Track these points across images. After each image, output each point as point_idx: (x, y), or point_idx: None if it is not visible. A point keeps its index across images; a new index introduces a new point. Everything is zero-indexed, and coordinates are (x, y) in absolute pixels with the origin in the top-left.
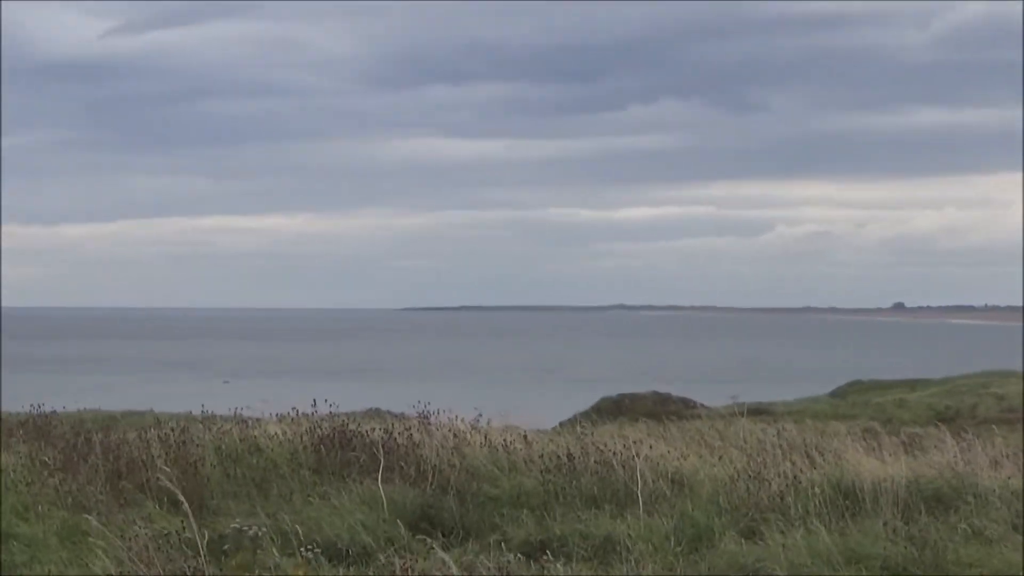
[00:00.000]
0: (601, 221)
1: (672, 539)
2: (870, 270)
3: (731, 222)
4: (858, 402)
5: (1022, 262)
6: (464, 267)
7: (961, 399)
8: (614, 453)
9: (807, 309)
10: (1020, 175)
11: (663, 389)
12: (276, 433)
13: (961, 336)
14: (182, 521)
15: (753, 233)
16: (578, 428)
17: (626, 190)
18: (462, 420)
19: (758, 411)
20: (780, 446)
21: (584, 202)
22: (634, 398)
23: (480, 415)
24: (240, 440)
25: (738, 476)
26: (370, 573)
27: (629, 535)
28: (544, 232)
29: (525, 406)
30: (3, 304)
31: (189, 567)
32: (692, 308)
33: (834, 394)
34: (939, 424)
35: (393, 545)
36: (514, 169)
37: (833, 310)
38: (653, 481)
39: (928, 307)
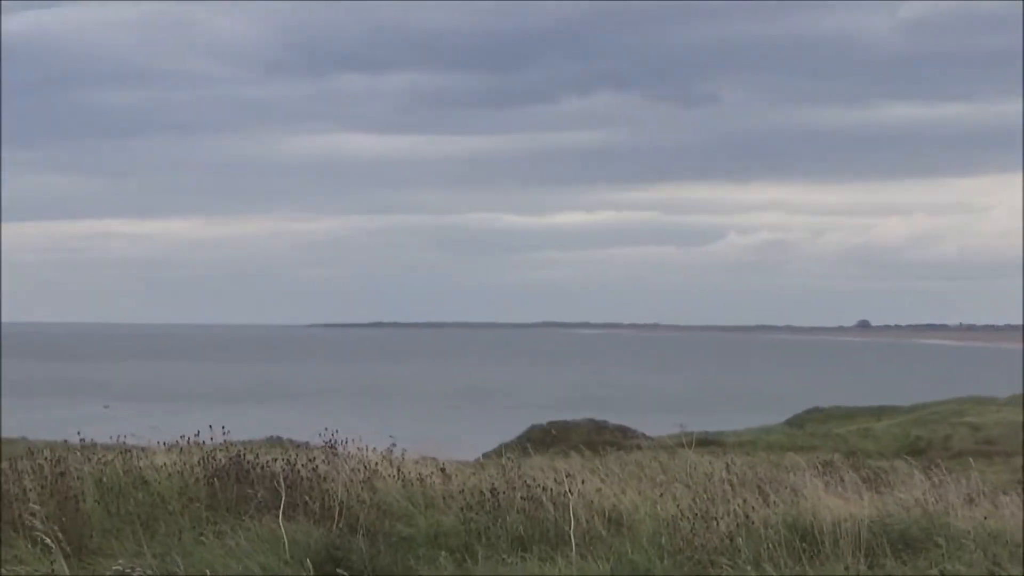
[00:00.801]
0: (529, 228)
1: None
2: (831, 284)
3: (676, 229)
4: (817, 432)
5: (1022, 275)
6: (376, 279)
7: (933, 429)
8: (544, 488)
9: (761, 327)
10: (998, 177)
11: (600, 416)
12: (164, 464)
13: (933, 358)
14: (52, 563)
15: (701, 242)
16: (504, 460)
17: (558, 193)
18: (373, 450)
19: (706, 442)
20: (730, 481)
21: (510, 206)
22: (567, 426)
23: (394, 445)
24: (124, 472)
25: (682, 515)
26: None
27: None
28: (466, 240)
29: (444, 435)
30: None
31: None
32: (632, 326)
33: (790, 423)
34: (908, 457)
35: None
36: (432, 169)
37: (790, 328)
38: (587, 520)
39: (896, 326)
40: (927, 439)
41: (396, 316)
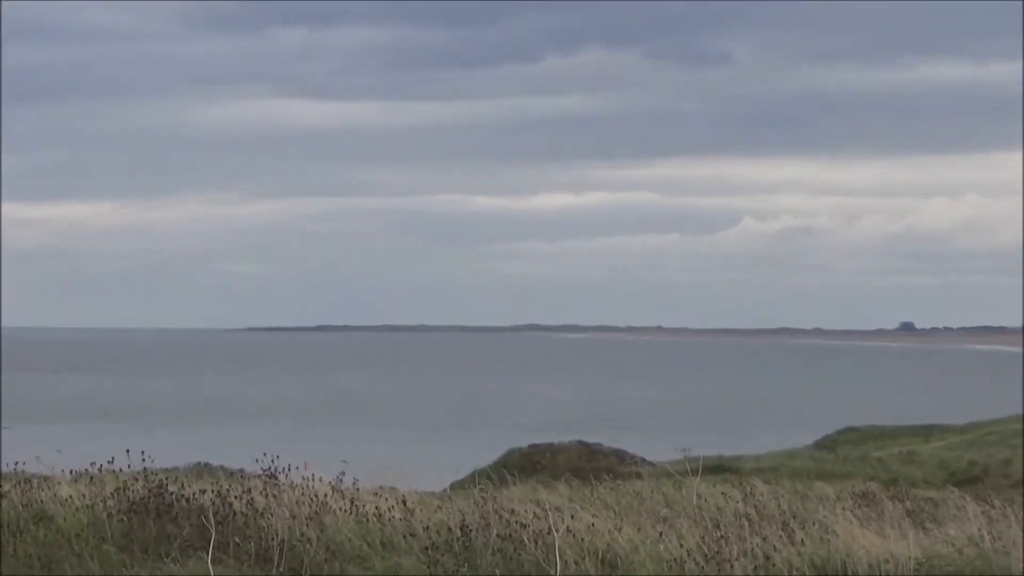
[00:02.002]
0: (506, 213)
1: None
2: (867, 279)
3: (681, 214)
4: (852, 456)
5: None
6: (323, 274)
7: (990, 453)
8: (524, 525)
9: (783, 331)
10: None
11: (591, 438)
12: (71, 496)
13: (990, 367)
14: None
15: (710, 229)
16: (477, 490)
17: (540, 171)
18: (321, 479)
19: (719, 468)
20: (747, 515)
21: (483, 186)
22: (552, 451)
23: (345, 473)
24: (23, 505)
25: (690, 556)
26: None
27: None
28: (430, 228)
29: (406, 461)
30: None
31: None
32: (630, 330)
33: (820, 445)
34: (960, 486)
35: None
36: (389, 141)
37: (819, 332)
38: (576, 562)
39: (945, 328)
40: (983, 465)
41: (346, 318)
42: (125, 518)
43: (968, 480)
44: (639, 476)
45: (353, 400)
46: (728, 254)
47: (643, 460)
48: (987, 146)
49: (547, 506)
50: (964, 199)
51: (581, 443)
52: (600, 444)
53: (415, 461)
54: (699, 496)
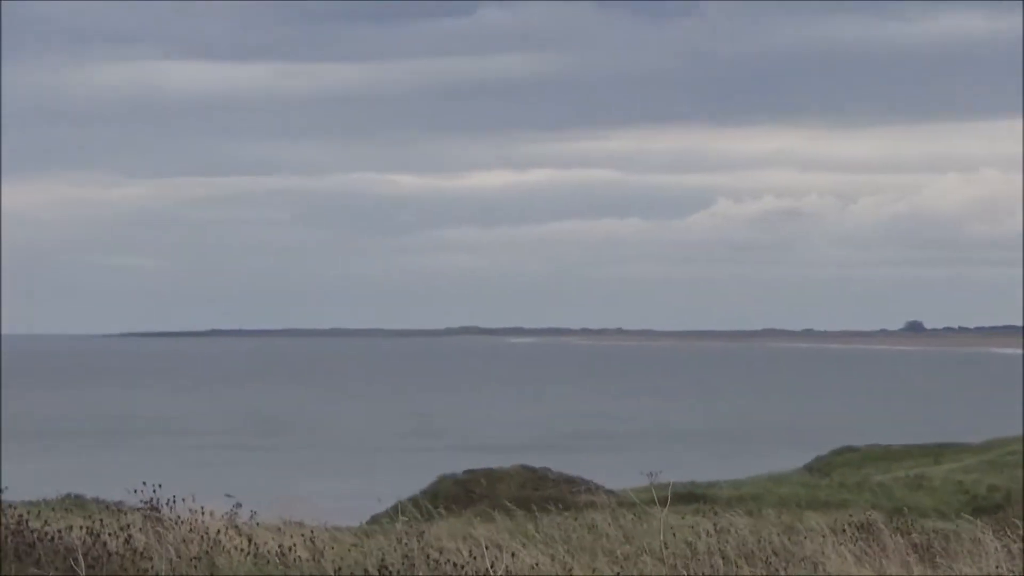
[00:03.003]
0: (436, 194)
1: None
2: (867, 271)
3: (642, 195)
4: (849, 481)
5: None
6: (214, 269)
7: (1012, 476)
8: (457, 565)
9: (767, 333)
10: None
11: (538, 461)
12: None
13: (1012, 374)
14: None
15: (678, 212)
16: (400, 524)
17: (473, 144)
18: (213, 513)
19: (690, 496)
20: (722, 552)
21: (406, 163)
22: (491, 477)
23: (242, 505)
24: None
25: None
26: None
27: None
28: (342, 212)
29: (316, 490)
30: None
31: None
32: (584, 333)
33: (812, 468)
34: (977, 516)
35: None
36: (292, 111)
37: (810, 334)
38: None
39: (960, 329)
40: (1005, 490)
41: (243, 322)
42: None
43: (987, 508)
44: (594, 506)
45: (253, 418)
46: (700, 242)
47: (600, 487)
48: (1008, 111)
49: (484, 543)
50: (979, 175)
51: (525, 468)
52: (548, 469)
53: (328, 490)
54: (666, 529)
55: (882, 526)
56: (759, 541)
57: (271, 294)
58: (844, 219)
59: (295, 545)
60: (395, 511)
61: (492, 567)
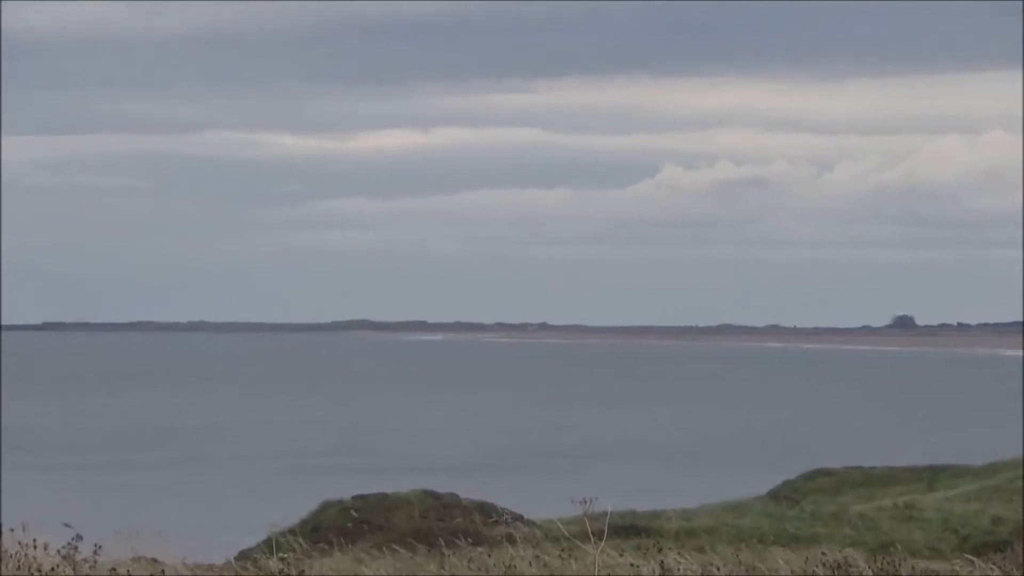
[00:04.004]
0: (317, 158)
1: None
2: (847, 254)
3: (572, 160)
4: (824, 512)
5: None
6: (48, 250)
7: (1020, 506)
8: None
9: (724, 330)
10: None
11: (445, 484)
12: None
13: (1019, 380)
14: None
15: (616, 181)
16: (273, 561)
17: (366, 98)
18: (47, 547)
19: (631, 529)
20: None
21: (283, 121)
22: (385, 504)
23: (80, 537)
24: None
25: None
26: None
27: None
28: (203, 179)
29: (176, 517)
30: None
31: None
32: (501, 328)
33: (778, 495)
34: (977, 554)
35: None
36: (138, 54)
37: (776, 331)
38: None
39: (959, 326)
40: (1012, 523)
41: (85, 314)
42: None
43: (990, 545)
44: (512, 540)
45: (101, 429)
46: (642, 218)
47: (520, 517)
48: (1015, 61)
49: None
50: (986, 137)
51: (428, 493)
52: (456, 495)
53: (191, 519)
54: (601, 571)
55: (863, 566)
56: None
57: (118, 281)
58: (819, 191)
59: None
60: (268, 546)
61: None
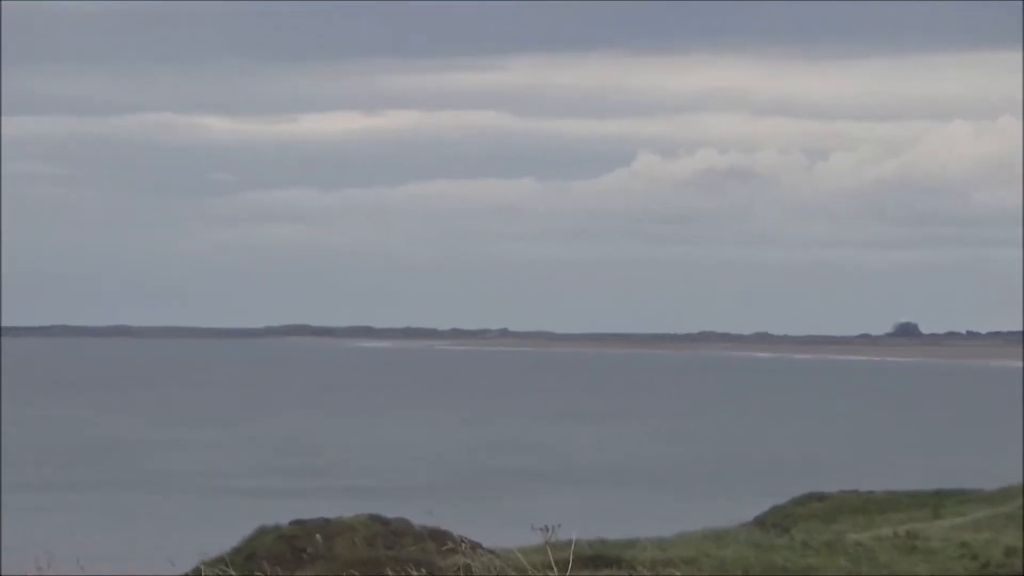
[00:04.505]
0: (254, 143)
1: None
2: (843, 255)
3: (539, 146)
4: (816, 541)
5: None
6: None
7: None
8: None
9: (706, 337)
10: None
11: (394, 509)
12: None
13: None
14: None
15: (587, 170)
16: None
17: (310, 76)
18: None
19: (600, 560)
20: None
21: (216, 101)
22: (329, 529)
23: None
24: None
25: None
26: None
27: None
28: (130, 167)
29: (96, 544)
30: None
31: None
32: (456, 335)
33: (766, 521)
34: None
35: None
36: (62, 29)
37: (765, 339)
38: None
39: (967, 334)
40: None
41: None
42: None
43: None
44: (469, 572)
45: (5, 446)
46: (616, 213)
47: (477, 546)
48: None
49: None
50: (997, 125)
51: (375, 518)
52: (406, 520)
53: (109, 547)
54: None
55: None
56: None
57: (33, 279)
58: (812, 183)
59: None
60: None
61: None
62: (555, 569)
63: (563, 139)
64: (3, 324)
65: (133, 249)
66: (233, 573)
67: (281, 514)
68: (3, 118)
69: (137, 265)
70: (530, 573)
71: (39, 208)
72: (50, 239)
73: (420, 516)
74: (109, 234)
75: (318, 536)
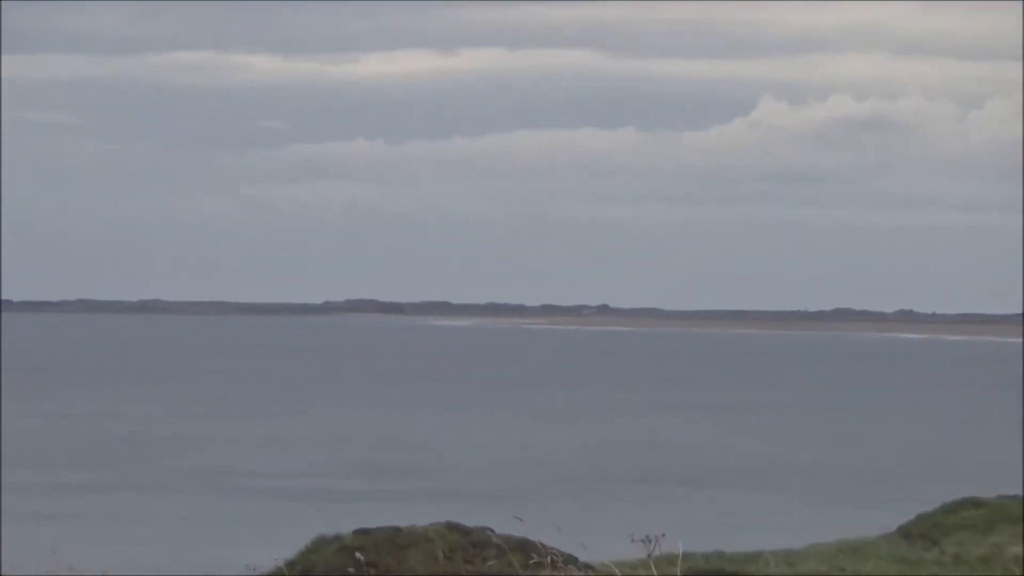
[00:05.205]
0: (310, 86)
1: None
2: (1001, 220)
3: (642, 91)
4: (971, 555)
5: None
6: None
7: None
8: None
9: (842, 315)
10: None
11: (474, 517)
12: None
13: None
14: None
15: (697, 120)
16: None
17: (371, 10)
18: None
19: None
20: None
21: (265, 38)
22: (397, 540)
23: None
24: None
25: None
26: None
27: None
28: (164, 113)
29: (120, 556)
30: None
31: None
32: (545, 311)
33: (911, 532)
34: None
35: None
36: None
37: (906, 317)
38: None
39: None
40: None
41: (10, 290)
42: None
43: None
44: None
45: (27, 441)
46: (732, 169)
47: (570, 559)
48: None
49: None
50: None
51: (452, 526)
52: (488, 528)
53: (145, 558)
54: None
55: None
56: None
57: (55, 249)
58: (964, 135)
59: None
60: None
61: None
62: None
63: (667, 83)
64: (6, 298)
65: (164, 211)
66: None
67: (343, 521)
68: (25, 57)
69: (169, 230)
70: None
71: (49, 163)
72: (63, 199)
73: (506, 524)
74: (138, 195)
75: (384, 547)
